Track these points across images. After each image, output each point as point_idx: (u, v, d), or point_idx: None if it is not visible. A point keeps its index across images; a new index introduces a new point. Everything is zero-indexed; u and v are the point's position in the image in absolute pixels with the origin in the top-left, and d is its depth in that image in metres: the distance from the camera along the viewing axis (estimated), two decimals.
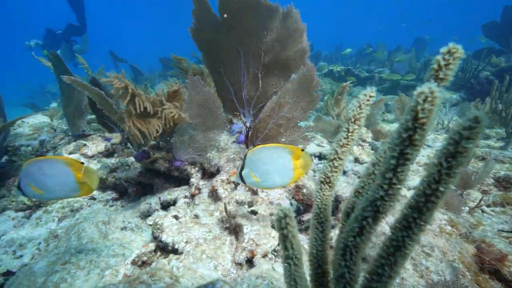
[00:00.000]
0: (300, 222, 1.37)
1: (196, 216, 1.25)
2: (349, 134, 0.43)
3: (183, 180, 1.72)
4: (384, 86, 6.36)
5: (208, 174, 1.64)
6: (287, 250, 0.38)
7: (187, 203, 1.47)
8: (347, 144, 0.43)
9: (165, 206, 1.67)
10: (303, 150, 0.88)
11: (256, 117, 1.73)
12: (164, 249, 1.15)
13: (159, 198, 1.67)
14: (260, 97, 1.62)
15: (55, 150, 2.36)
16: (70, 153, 2.20)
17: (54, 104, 5.89)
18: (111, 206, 1.95)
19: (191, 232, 1.09)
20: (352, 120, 0.43)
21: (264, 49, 1.43)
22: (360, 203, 0.35)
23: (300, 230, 1.38)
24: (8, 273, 1.35)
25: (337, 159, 0.44)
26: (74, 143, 2.26)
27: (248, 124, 1.56)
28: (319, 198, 0.45)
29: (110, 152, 2.36)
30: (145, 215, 1.67)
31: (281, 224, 0.37)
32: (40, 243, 1.49)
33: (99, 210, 1.76)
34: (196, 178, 1.60)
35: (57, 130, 2.79)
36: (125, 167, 1.99)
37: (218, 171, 1.48)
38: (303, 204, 1.36)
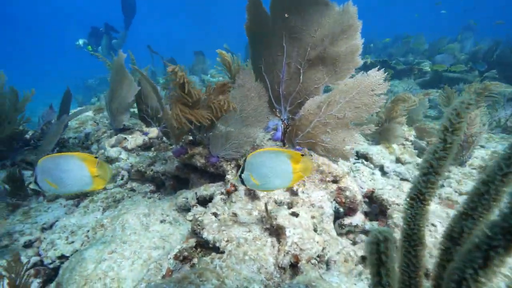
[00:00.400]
0: (341, 225, 1.30)
1: (235, 214, 1.24)
2: (447, 145, 0.36)
3: (218, 176, 1.72)
4: (424, 79, 5.88)
5: None
6: (380, 277, 0.33)
7: (223, 199, 1.47)
8: (445, 157, 0.36)
9: (201, 201, 1.69)
10: (303, 155, 0.90)
11: (293, 113, 1.67)
12: (204, 246, 1.16)
13: (195, 193, 1.70)
14: (299, 92, 1.55)
15: (99, 142, 2.52)
16: (112, 146, 2.33)
17: (94, 99, 6.32)
18: (149, 198, 2.03)
19: (231, 230, 1.08)
20: (450, 129, 0.36)
21: (311, 43, 1.37)
22: (481, 228, 0.29)
23: (341, 234, 1.31)
24: (62, 257, 1.46)
25: (433, 174, 0.38)
26: (115, 136, 2.38)
27: (285, 121, 1.51)
28: (410, 217, 0.39)
29: (147, 146, 2.46)
30: (182, 208, 1.70)
31: (378, 248, 0.32)
32: (88, 230, 1.59)
33: (139, 202, 1.83)
34: (231, 175, 1.59)
35: (100, 124, 2.97)
36: (162, 161, 2.05)
37: None
38: (344, 207, 1.29)
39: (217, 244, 1.03)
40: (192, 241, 1.16)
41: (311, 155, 1.26)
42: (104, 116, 3.15)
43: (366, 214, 1.40)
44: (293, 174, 0.93)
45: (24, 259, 1.47)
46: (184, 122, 1.31)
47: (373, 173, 1.90)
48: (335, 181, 1.23)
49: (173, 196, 1.91)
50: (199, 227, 1.17)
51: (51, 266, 1.43)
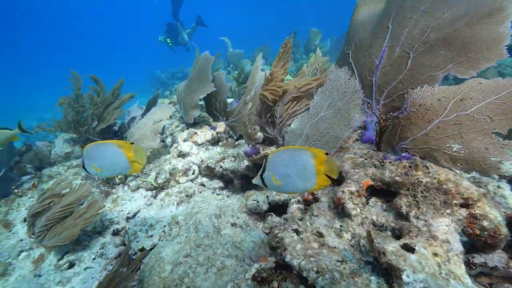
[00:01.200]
0: (469, 264, 0.95)
1: (320, 234, 1.03)
2: None
3: None
4: None
5: None
6: None
7: (301, 210, 1.28)
8: None
9: (274, 206, 1.54)
10: (327, 154, 0.85)
11: (389, 108, 1.33)
12: (285, 268, 1.00)
13: (267, 197, 1.55)
14: (403, 81, 1.20)
15: (173, 136, 2.63)
16: (184, 140, 2.39)
17: (167, 92, 6.90)
18: (218, 194, 2.00)
19: (320, 258, 0.88)
20: None
21: (434, 25, 1.03)
22: None
23: (470, 276, 0.96)
24: (143, 249, 1.53)
25: None
26: (187, 131, 2.44)
27: (382, 118, 1.19)
28: None
29: (216, 140, 2.44)
30: (253, 212, 1.59)
31: None
32: (165, 225, 1.63)
33: (210, 200, 1.80)
34: None
35: (172, 117, 3.13)
36: (231, 158, 1.98)
37: (341, 178, 1.21)
38: (477, 241, 0.93)
39: (304, 274, 0.85)
40: (271, 261, 1.01)
41: (427, 167, 0.93)
42: (177, 110, 3.31)
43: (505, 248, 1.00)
44: (317, 176, 0.86)
45: (113, 248, 1.60)
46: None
47: None
48: (465, 205, 0.89)
49: (242, 196, 1.82)
50: (278, 244, 1.01)
51: (134, 257, 1.51)
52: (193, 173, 2.14)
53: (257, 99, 1.45)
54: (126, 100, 2.73)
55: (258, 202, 1.57)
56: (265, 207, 1.54)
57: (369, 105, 1.43)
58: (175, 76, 11.22)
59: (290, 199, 1.39)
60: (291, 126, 1.40)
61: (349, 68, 1.39)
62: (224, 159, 2.03)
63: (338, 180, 1.14)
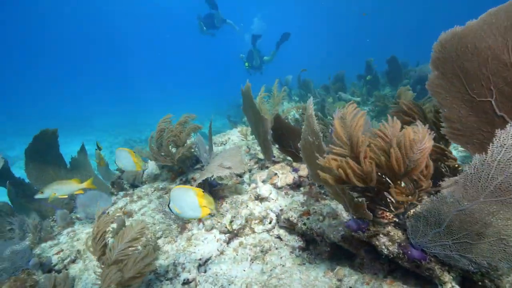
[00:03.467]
0: None
1: None
2: None
3: (415, 276, 1.09)
4: None
5: None
6: None
7: None
8: None
9: None
10: (203, 192, 1.28)
11: None
12: None
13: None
14: None
15: (250, 172, 2.49)
16: (263, 181, 2.20)
17: (245, 118, 7.16)
18: (297, 256, 1.68)
19: None
20: None
21: None
22: None
23: None
24: None
25: None
26: (267, 171, 2.25)
27: None
28: None
29: (297, 185, 2.17)
30: None
31: None
32: None
33: (291, 271, 1.48)
34: None
35: (251, 149, 3.05)
36: (318, 216, 1.64)
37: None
38: None
39: None
40: None
41: None
42: (255, 142, 3.23)
43: None
44: (200, 208, 1.29)
45: None
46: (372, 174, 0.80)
47: None
48: None
49: (330, 269, 1.45)
50: None
51: None
52: (270, 222, 1.90)
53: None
54: (193, 131, 2.76)
55: None
56: None
57: None
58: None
59: None
60: (420, 208, 0.99)
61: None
62: (309, 214, 1.71)
63: None
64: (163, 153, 2.72)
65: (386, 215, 1.18)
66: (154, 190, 2.78)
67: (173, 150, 2.69)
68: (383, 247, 1.10)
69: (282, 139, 2.38)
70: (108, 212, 2.35)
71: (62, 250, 1.76)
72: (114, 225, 1.87)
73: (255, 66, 8.35)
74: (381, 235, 1.11)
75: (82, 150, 3.29)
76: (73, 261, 1.72)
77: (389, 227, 1.11)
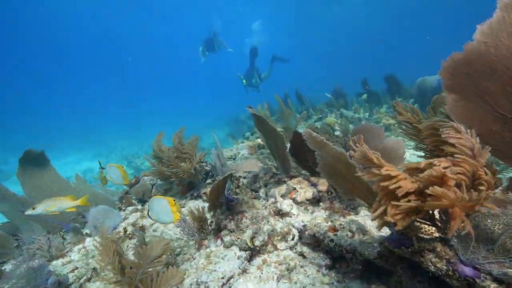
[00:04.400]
0: None
1: None
2: None
3: None
4: None
5: None
6: None
7: None
8: None
9: None
10: (174, 201, 1.61)
11: None
12: None
13: None
14: None
15: (266, 187, 2.46)
16: (282, 196, 2.17)
17: (247, 133, 7.17)
18: (325, 275, 1.61)
19: None
20: None
21: None
22: None
23: None
24: None
25: None
26: (285, 185, 2.22)
27: None
28: None
29: (317, 200, 2.13)
30: None
31: None
32: None
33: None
34: None
35: (263, 163, 3.02)
36: (347, 232, 1.61)
37: None
38: None
39: None
40: None
41: None
42: (267, 157, 3.22)
43: None
44: (172, 214, 1.61)
45: None
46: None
47: None
48: None
49: None
50: None
51: None
52: (292, 239, 1.84)
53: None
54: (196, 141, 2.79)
55: None
56: None
57: None
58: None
59: None
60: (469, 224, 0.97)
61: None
62: (335, 229, 1.68)
63: None
64: (172, 169, 2.67)
65: (428, 230, 1.16)
66: None
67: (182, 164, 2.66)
68: (430, 263, 1.07)
69: (299, 153, 2.37)
70: (120, 230, 2.26)
71: (76, 268, 1.66)
72: (134, 241, 1.79)
73: (254, 84, 8.54)
74: (427, 251, 1.08)
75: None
76: (89, 280, 1.62)
77: (435, 243, 1.08)
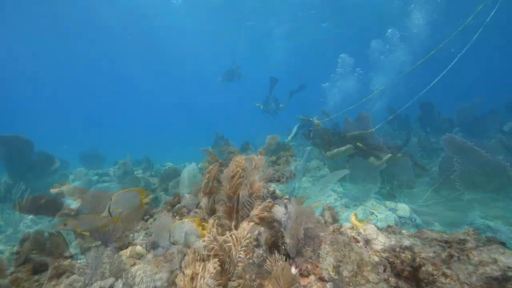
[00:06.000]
0: None
1: None
2: None
3: None
4: None
5: None
6: None
7: None
8: None
9: None
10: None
11: None
12: None
13: None
14: None
15: (331, 210, 2.26)
16: (360, 220, 1.96)
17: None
18: None
19: None
20: None
21: None
22: None
23: None
24: None
25: None
26: (361, 208, 2.02)
27: None
28: None
29: (398, 226, 1.91)
30: None
31: None
32: None
33: None
34: None
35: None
36: (463, 267, 1.37)
37: None
38: None
39: None
40: None
41: None
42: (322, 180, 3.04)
43: None
44: (200, 232, 1.57)
45: None
46: None
47: None
48: None
49: None
50: None
51: None
52: (384, 270, 1.61)
53: None
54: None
55: None
56: None
57: None
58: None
59: None
60: None
61: None
62: (446, 261, 1.44)
63: None
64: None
65: None
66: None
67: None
68: None
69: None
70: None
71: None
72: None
73: (270, 110, 8.78)
74: None
75: None
76: None
77: None
